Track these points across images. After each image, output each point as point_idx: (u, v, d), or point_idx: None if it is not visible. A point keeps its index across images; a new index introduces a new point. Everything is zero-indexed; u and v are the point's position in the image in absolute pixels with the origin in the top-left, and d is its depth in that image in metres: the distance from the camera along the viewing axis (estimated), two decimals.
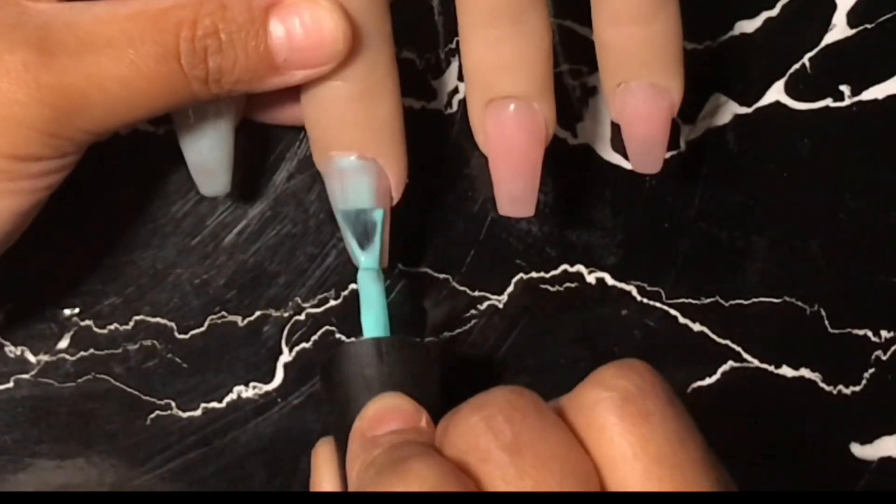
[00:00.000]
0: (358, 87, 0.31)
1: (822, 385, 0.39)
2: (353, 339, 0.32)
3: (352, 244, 0.33)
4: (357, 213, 0.32)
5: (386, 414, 0.29)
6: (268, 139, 0.37)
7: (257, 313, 0.37)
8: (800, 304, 0.39)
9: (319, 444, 0.33)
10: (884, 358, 0.40)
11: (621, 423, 0.26)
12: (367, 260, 0.33)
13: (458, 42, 0.34)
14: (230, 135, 0.34)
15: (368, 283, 0.32)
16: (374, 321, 0.32)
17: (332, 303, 0.38)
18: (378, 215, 0.32)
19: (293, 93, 0.33)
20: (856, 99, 0.39)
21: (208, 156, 0.33)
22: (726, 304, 0.39)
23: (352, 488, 0.28)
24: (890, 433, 0.40)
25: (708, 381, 0.39)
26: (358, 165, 0.32)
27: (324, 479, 0.32)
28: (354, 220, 0.32)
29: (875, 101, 0.39)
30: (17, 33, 0.29)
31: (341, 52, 0.30)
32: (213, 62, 0.30)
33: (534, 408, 0.27)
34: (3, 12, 0.29)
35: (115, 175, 0.36)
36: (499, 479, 0.26)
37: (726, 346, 0.39)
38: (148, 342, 0.37)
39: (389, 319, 0.32)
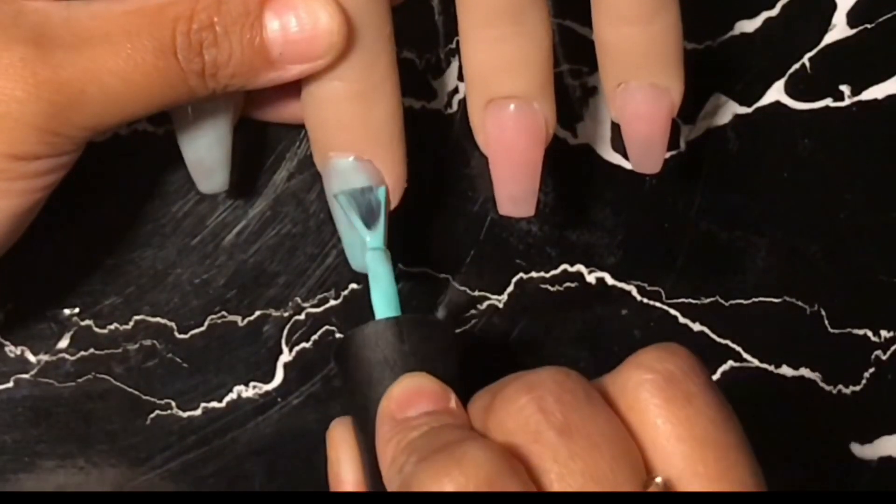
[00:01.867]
0: (355, 87, 0.31)
1: (822, 385, 0.39)
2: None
3: (357, 225, 0.32)
4: (362, 191, 0.32)
5: (414, 394, 0.29)
6: (267, 139, 0.37)
7: (257, 313, 0.37)
8: (800, 304, 0.39)
9: (335, 426, 0.32)
10: (884, 358, 0.40)
11: (666, 406, 0.27)
12: (374, 239, 0.32)
13: (458, 42, 0.34)
14: (228, 133, 0.34)
15: (377, 264, 0.31)
16: (385, 301, 0.31)
17: (332, 303, 0.38)
18: (381, 193, 0.32)
19: (291, 90, 0.33)
20: (856, 99, 0.39)
21: (206, 154, 0.33)
22: (726, 304, 0.39)
23: (387, 472, 0.28)
24: (890, 433, 0.40)
25: None
26: (355, 167, 0.32)
27: (342, 461, 0.31)
28: (360, 199, 0.32)
29: (875, 101, 0.39)
30: (14, 30, 0.29)
31: (336, 46, 0.30)
32: (208, 55, 0.30)
33: (582, 389, 0.27)
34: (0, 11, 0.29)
35: (115, 175, 0.36)
36: (549, 461, 0.26)
37: (726, 346, 0.39)
38: (148, 342, 0.37)
39: (399, 298, 0.31)
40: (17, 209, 0.30)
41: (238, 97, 0.34)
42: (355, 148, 0.32)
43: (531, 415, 0.26)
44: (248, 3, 0.30)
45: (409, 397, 0.29)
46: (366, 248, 0.32)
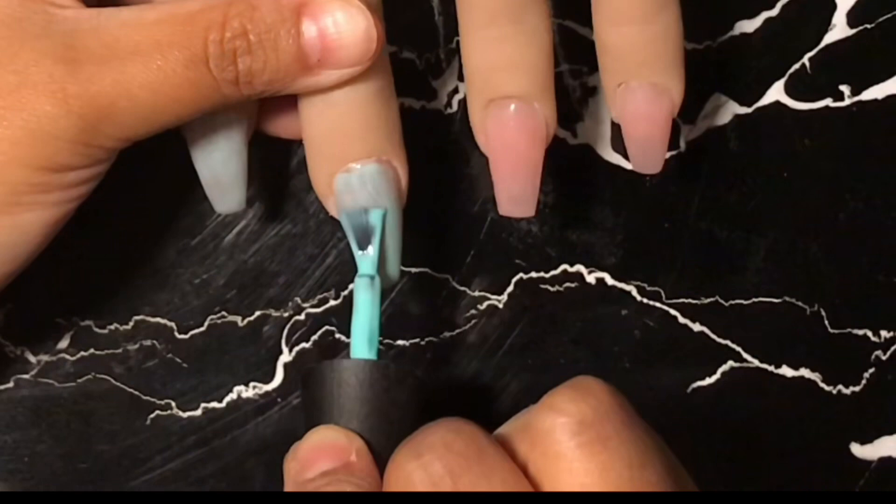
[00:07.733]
0: (377, 86, 0.31)
1: (822, 385, 0.39)
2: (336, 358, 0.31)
3: (353, 246, 0.32)
4: (360, 212, 0.31)
5: (317, 452, 0.29)
6: (268, 139, 0.37)
7: (257, 313, 0.37)
8: (800, 304, 0.39)
9: None
10: (884, 358, 0.40)
11: (580, 451, 0.26)
12: (364, 265, 0.31)
13: (458, 42, 0.34)
14: (244, 147, 0.33)
15: (362, 291, 0.31)
16: (362, 336, 0.31)
17: (332, 303, 0.38)
18: (378, 216, 0.31)
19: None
20: (856, 99, 0.39)
21: (222, 170, 0.33)
22: (726, 304, 0.39)
23: None
24: (890, 433, 0.40)
25: (708, 381, 0.39)
26: (379, 171, 0.31)
27: None
28: (357, 218, 0.31)
29: (875, 101, 0.39)
30: (43, 42, 0.28)
31: (373, 52, 0.30)
32: (242, 64, 0.29)
33: (474, 448, 0.26)
34: (30, 21, 0.28)
35: (115, 175, 0.36)
36: None
37: (726, 346, 0.39)
38: (148, 342, 0.37)
39: (380, 329, 0.31)
40: (52, 219, 0.30)
41: (251, 108, 0.33)
42: (378, 149, 0.31)
43: (419, 483, 0.25)
44: (283, 9, 0.29)
45: (311, 455, 0.29)
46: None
